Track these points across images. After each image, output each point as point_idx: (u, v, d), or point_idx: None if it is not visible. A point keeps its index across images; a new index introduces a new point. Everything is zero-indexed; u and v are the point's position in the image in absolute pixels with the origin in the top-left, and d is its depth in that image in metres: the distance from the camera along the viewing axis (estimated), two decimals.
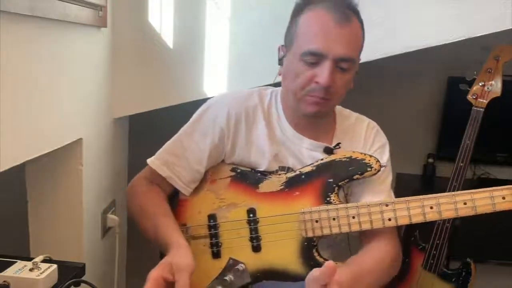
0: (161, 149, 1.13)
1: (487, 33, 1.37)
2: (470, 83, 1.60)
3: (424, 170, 2.69)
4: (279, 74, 1.08)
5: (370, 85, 2.58)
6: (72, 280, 0.92)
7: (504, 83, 1.55)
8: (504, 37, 1.46)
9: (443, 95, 2.61)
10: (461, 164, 1.59)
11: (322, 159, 1.07)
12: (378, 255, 1.03)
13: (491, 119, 1.61)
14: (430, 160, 2.65)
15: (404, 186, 2.42)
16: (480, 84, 1.58)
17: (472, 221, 1.74)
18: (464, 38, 1.39)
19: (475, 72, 1.60)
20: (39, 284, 0.85)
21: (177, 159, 1.09)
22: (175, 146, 1.11)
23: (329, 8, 0.97)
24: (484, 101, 1.57)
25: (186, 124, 1.14)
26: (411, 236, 1.73)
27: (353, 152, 1.07)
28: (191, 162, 1.09)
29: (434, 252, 1.65)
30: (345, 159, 1.05)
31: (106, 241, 1.52)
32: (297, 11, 1.02)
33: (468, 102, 1.60)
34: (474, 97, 1.58)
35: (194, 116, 1.14)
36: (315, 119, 1.07)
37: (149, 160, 1.13)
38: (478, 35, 1.38)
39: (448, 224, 1.62)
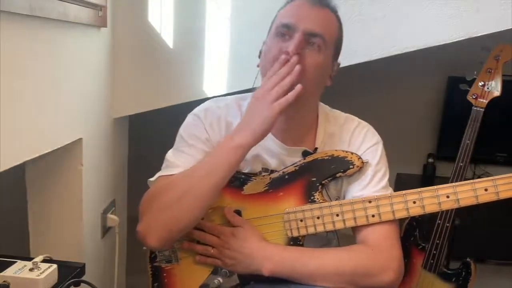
0: (162, 168, 1.11)
1: (487, 33, 1.37)
2: (470, 83, 1.61)
3: (424, 170, 2.69)
4: (258, 66, 1.10)
5: (370, 85, 2.59)
6: (72, 280, 0.92)
7: (504, 83, 1.55)
8: (504, 37, 1.46)
9: (443, 95, 2.61)
10: (461, 164, 1.60)
11: (304, 159, 1.08)
12: (341, 254, 1.02)
13: (491, 119, 1.62)
14: (430, 160, 2.65)
15: (404, 186, 2.42)
16: (480, 84, 1.58)
17: (472, 221, 1.75)
18: (464, 38, 1.39)
19: (475, 72, 1.60)
20: (39, 284, 0.85)
21: (179, 169, 1.08)
22: (172, 162, 1.10)
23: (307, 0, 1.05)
24: (484, 101, 1.57)
25: (175, 142, 1.14)
26: (411, 236, 1.73)
27: (336, 150, 1.07)
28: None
29: (434, 252, 1.65)
30: (327, 157, 1.06)
31: (106, 241, 1.52)
32: (279, 10, 1.09)
33: (468, 102, 1.60)
34: (474, 97, 1.58)
35: (180, 130, 1.14)
36: (289, 108, 1.05)
37: (155, 178, 1.09)
38: (478, 35, 1.38)
39: (448, 224, 1.62)
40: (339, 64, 1.11)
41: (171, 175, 1.05)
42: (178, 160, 1.08)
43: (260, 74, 1.10)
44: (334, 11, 1.07)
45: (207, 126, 1.10)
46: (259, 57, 1.11)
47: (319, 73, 1.03)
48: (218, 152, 1.00)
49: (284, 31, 1.02)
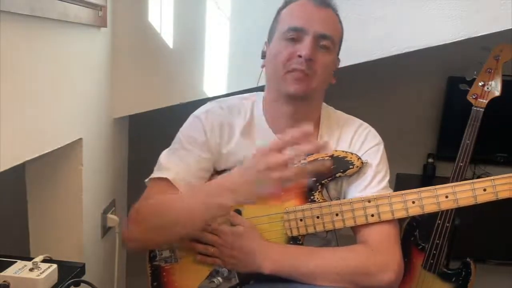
0: (154, 170, 1.12)
1: (487, 33, 1.37)
2: (470, 83, 1.61)
3: (424, 170, 2.69)
4: (262, 67, 1.09)
5: (370, 85, 2.59)
6: (72, 280, 0.93)
7: (504, 83, 1.56)
8: (504, 37, 1.46)
9: (443, 95, 2.61)
10: (461, 164, 1.60)
11: (304, 159, 1.08)
12: (341, 253, 1.02)
13: (491, 119, 1.62)
14: (430, 160, 2.65)
15: (404, 186, 2.41)
16: (480, 84, 1.58)
17: (472, 221, 1.75)
18: (464, 38, 1.39)
19: (475, 72, 1.60)
20: (39, 284, 0.85)
21: (169, 172, 1.09)
22: (163, 164, 1.10)
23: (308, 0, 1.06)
24: (484, 101, 1.57)
25: (173, 142, 1.15)
26: (411, 236, 1.73)
27: (335, 150, 1.08)
28: (191, 169, 1.10)
29: (434, 252, 1.65)
30: (327, 157, 1.07)
31: (106, 241, 1.52)
32: (279, 10, 1.10)
33: (468, 102, 1.60)
34: (474, 97, 1.58)
35: (180, 130, 1.14)
36: (297, 110, 1.07)
37: (148, 179, 1.11)
38: (478, 35, 1.38)
39: (448, 224, 1.62)
40: (339, 60, 1.13)
41: (162, 178, 1.07)
42: (170, 163, 1.09)
43: (264, 74, 1.11)
44: (335, 10, 1.09)
45: (207, 128, 1.11)
46: (262, 57, 1.11)
47: (328, 73, 1.06)
48: (199, 199, 0.96)
49: (293, 34, 1.02)
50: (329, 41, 1.02)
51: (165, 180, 1.07)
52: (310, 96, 1.05)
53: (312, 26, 1.01)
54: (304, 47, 1.00)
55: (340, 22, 1.10)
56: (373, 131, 1.14)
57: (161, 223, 1.01)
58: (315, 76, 1.02)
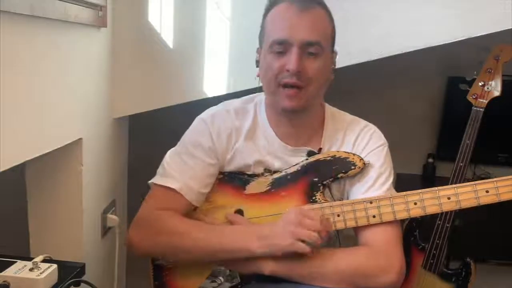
0: (158, 173, 1.12)
1: (487, 33, 1.37)
2: (470, 83, 1.61)
3: (424, 170, 2.69)
4: (258, 76, 1.09)
5: (370, 85, 2.59)
6: (72, 280, 0.93)
7: (504, 83, 1.56)
8: (504, 37, 1.46)
9: (443, 95, 2.61)
10: (461, 164, 1.60)
11: (307, 159, 1.08)
12: (341, 255, 1.02)
13: (491, 119, 1.62)
14: (430, 160, 2.65)
15: (404, 186, 2.41)
16: (480, 84, 1.58)
17: (472, 221, 1.75)
18: (464, 38, 1.39)
19: (475, 72, 1.61)
20: (39, 284, 0.85)
21: (173, 180, 1.09)
22: (168, 170, 1.10)
23: (290, 2, 1.01)
24: (484, 101, 1.57)
25: (178, 144, 1.14)
26: (411, 236, 1.73)
27: (338, 151, 1.08)
28: (197, 175, 1.10)
29: (434, 252, 1.65)
30: (329, 158, 1.07)
31: (106, 241, 1.52)
32: (265, 13, 1.06)
33: (468, 102, 1.60)
34: (474, 97, 1.59)
35: (185, 134, 1.14)
36: (296, 116, 1.07)
37: (152, 181, 1.11)
38: (478, 35, 1.38)
39: (448, 224, 1.62)
40: (336, 53, 1.10)
41: (165, 186, 1.07)
42: (175, 170, 1.08)
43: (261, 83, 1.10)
44: (320, 6, 1.04)
45: (213, 134, 1.10)
46: (257, 66, 1.09)
47: (322, 77, 1.03)
48: (230, 240, 1.01)
49: (279, 48, 1.00)
50: (317, 46, 0.99)
51: (171, 188, 1.07)
52: (307, 107, 1.05)
53: (296, 35, 0.98)
54: (290, 61, 0.98)
55: (328, 15, 1.05)
56: (377, 132, 1.13)
57: (179, 248, 1.04)
58: (308, 86, 1.00)
